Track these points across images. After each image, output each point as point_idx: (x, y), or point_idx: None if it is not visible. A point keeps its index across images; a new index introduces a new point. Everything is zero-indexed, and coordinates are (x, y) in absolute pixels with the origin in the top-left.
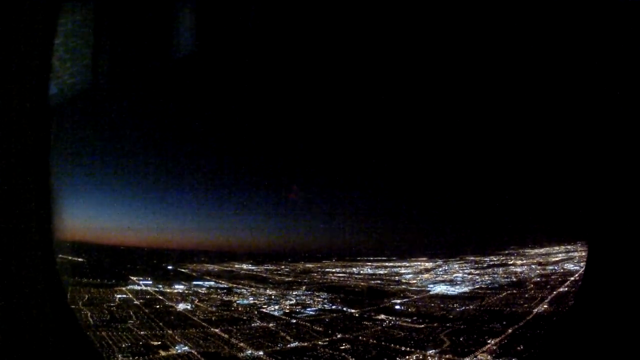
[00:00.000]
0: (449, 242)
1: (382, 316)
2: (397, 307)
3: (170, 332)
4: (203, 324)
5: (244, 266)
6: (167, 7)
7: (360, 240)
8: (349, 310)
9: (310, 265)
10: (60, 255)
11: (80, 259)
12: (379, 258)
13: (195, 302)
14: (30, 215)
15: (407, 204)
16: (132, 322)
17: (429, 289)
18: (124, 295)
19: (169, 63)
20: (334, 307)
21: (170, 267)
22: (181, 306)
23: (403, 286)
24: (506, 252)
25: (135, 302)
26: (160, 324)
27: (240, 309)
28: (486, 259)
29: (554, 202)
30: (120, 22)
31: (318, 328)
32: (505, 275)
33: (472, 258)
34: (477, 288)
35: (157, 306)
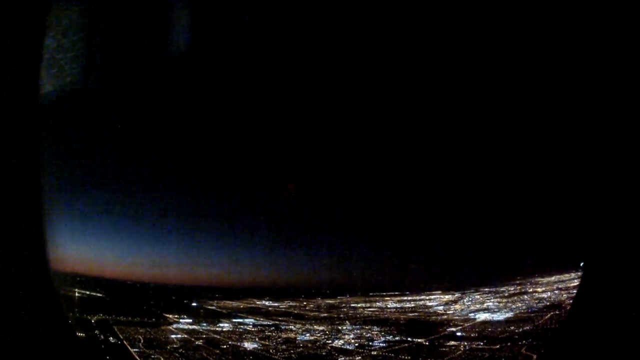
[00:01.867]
0: (457, 276)
1: (452, 342)
2: (458, 334)
3: None
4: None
5: (265, 302)
6: (161, 6)
7: (370, 276)
8: (415, 339)
9: (330, 301)
10: (77, 290)
11: (99, 294)
12: (393, 293)
13: (257, 340)
14: (22, 218)
15: (412, 243)
16: None
17: (472, 317)
18: (178, 335)
19: (164, 62)
20: (397, 338)
21: (194, 304)
22: (248, 345)
23: (444, 317)
24: (517, 282)
25: (196, 342)
26: None
27: (309, 344)
28: (502, 289)
29: (547, 232)
30: (114, 21)
31: (406, 357)
32: (537, 301)
33: (487, 289)
34: (519, 313)
35: (224, 346)
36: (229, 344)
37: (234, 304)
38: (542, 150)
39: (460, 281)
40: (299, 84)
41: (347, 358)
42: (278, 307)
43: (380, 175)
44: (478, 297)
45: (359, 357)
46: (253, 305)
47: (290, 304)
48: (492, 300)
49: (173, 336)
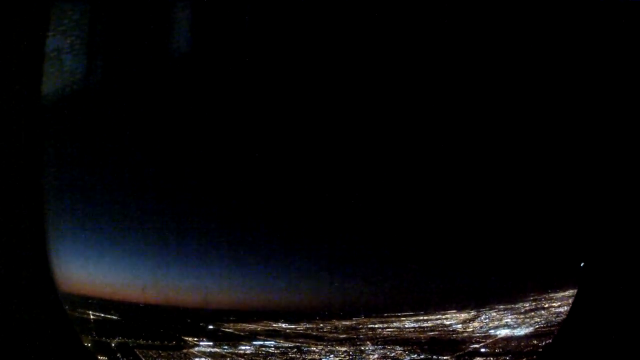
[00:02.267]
0: (472, 294)
1: (478, 358)
2: (483, 350)
3: None
4: None
5: (282, 325)
6: (163, 7)
7: (384, 297)
8: (440, 357)
9: (347, 323)
10: (92, 312)
11: (114, 317)
12: (408, 313)
13: None
14: (23, 218)
15: (426, 262)
16: None
17: (493, 333)
18: (202, 359)
19: (167, 62)
20: (422, 356)
21: (211, 327)
22: None
23: (464, 335)
24: (531, 298)
25: None
26: None
27: None
28: (517, 305)
29: (559, 248)
30: (116, 21)
31: None
32: (555, 315)
33: (502, 306)
34: (539, 327)
35: None
36: None
37: (251, 326)
38: (554, 163)
39: (475, 299)
40: (299, 85)
41: None
42: (295, 329)
43: (392, 196)
44: (494, 314)
45: None
46: (270, 327)
47: (307, 325)
48: (509, 316)
49: (196, 359)
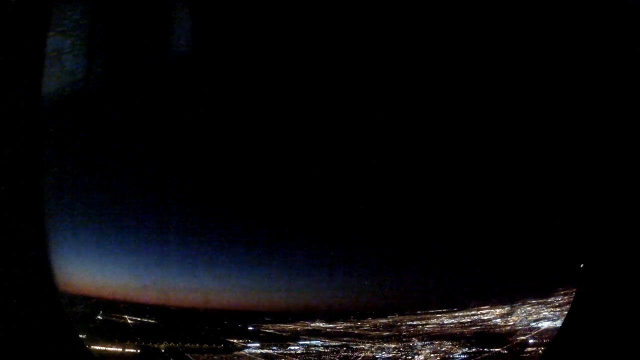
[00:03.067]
0: (503, 290)
1: (529, 349)
2: (531, 341)
3: None
4: None
5: (319, 324)
6: (163, 6)
7: (416, 295)
8: (491, 349)
9: (383, 321)
10: (128, 317)
11: (151, 321)
12: (441, 310)
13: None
14: (24, 217)
15: (456, 260)
16: None
17: (535, 325)
18: None
19: (167, 62)
20: (473, 349)
21: (250, 328)
22: None
23: (507, 328)
24: (562, 293)
25: None
26: None
27: None
28: (550, 300)
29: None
30: (116, 21)
31: None
32: None
33: (534, 301)
34: None
35: None
36: None
37: (290, 326)
38: (565, 157)
39: (507, 295)
40: (300, 84)
41: None
42: (334, 328)
43: (416, 198)
44: (529, 308)
45: None
46: (308, 327)
47: (345, 324)
48: (545, 310)
49: None
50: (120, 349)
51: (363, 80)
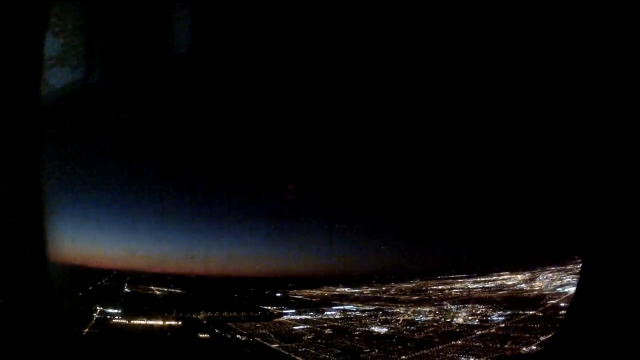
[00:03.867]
0: (524, 257)
1: (563, 312)
2: (562, 304)
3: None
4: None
5: (344, 289)
6: (161, 5)
7: (436, 260)
8: (526, 312)
9: (408, 285)
10: (155, 288)
11: (178, 290)
12: (461, 275)
13: (379, 323)
14: (21, 215)
15: (478, 229)
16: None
17: (562, 290)
18: (300, 326)
19: (164, 62)
20: (509, 312)
21: (279, 294)
22: (379, 329)
23: (535, 292)
24: (579, 261)
25: (327, 331)
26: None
27: (434, 324)
28: (569, 267)
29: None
30: (114, 20)
31: (534, 325)
32: None
33: (554, 268)
34: None
35: (356, 332)
36: (360, 330)
37: (316, 292)
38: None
39: (524, 262)
40: (298, 80)
41: (483, 332)
42: (362, 292)
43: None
44: (550, 275)
45: (493, 330)
46: (335, 293)
47: (371, 289)
48: (566, 276)
49: (296, 327)
50: (160, 322)
51: (359, 57)
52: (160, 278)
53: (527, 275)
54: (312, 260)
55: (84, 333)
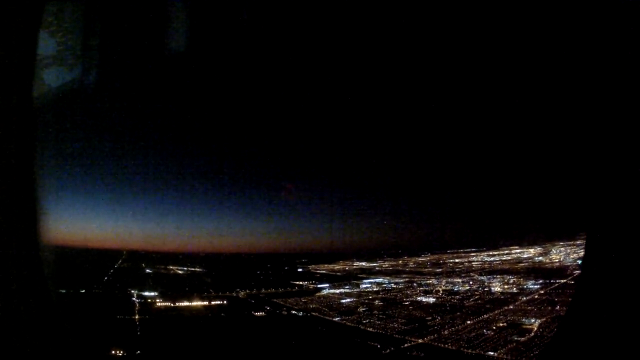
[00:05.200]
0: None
1: None
2: None
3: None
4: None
5: (362, 263)
6: (158, 4)
7: (447, 235)
8: (557, 280)
9: (422, 259)
10: (175, 267)
11: (198, 269)
12: (472, 249)
13: (420, 293)
14: (15, 214)
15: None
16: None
17: (575, 262)
18: (346, 300)
19: (160, 61)
20: (541, 281)
21: (300, 270)
22: (428, 299)
23: (557, 264)
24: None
25: (376, 302)
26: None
27: (475, 293)
28: (578, 242)
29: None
30: (110, 20)
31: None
32: None
33: (563, 242)
34: None
35: (407, 302)
36: (409, 300)
37: (336, 266)
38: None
39: (534, 237)
40: (296, 79)
41: (527, 297)
42: (381, 266)
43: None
44: (562, 249)
45: (536, 296)
46: (354, 267)
47: (390, 263)
48: (580, 250)
49: (343, 301)
50: (205, 302)
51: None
52: (171, 257)
53: (539, 249)
54: (323, 236)
55: (136, 320)
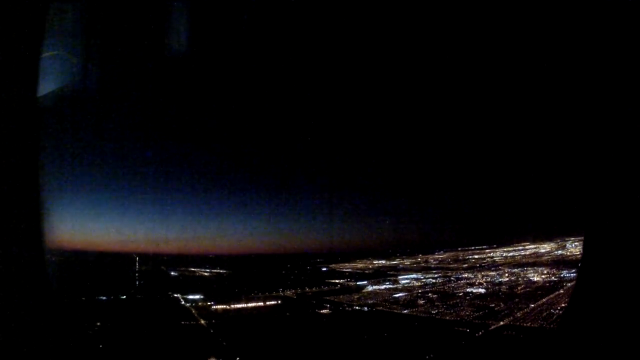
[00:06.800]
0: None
1: None
2: None
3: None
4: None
5: (381, 262)
6: (159, 6)
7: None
8: (569, 274)
9: (438, 256)
10: (197, 270)
11: (222, 270)
12: (484, 246)
13: (466, 286)
14: (20, 214)
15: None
16: None
17: None
18: (397, 294)
19: (162, 61)
20: (574, 270)
21: (324, 269)
22: (476, 290)
23: (578, 257)
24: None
25: (430, 295)
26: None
27: (513, 284)
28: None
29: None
30: (113, 21)
31: None
32: None
33: (572, 238)
34: None
35: (460, 293)
36: (460, 292)
37: (358, 264)
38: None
39: (544, 233)
40: (297, 79)
41: (573, 283)
42: (403, 264)
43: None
44: (576, 243)
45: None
46: (375, 265)
47: (409, 260)
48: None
49: (396, 295)
50: (260, 303)
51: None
52: (183, 259)
53: (553, 244)
54: (335, 236)
55: (202, 324)
